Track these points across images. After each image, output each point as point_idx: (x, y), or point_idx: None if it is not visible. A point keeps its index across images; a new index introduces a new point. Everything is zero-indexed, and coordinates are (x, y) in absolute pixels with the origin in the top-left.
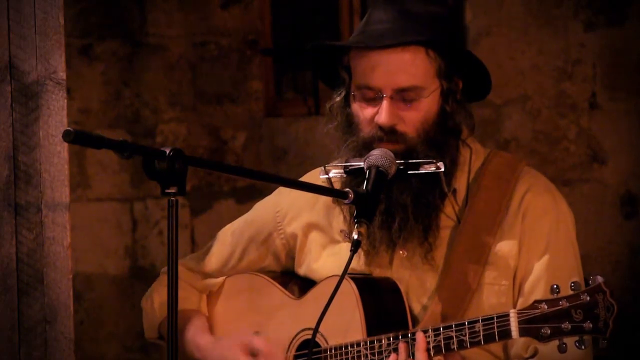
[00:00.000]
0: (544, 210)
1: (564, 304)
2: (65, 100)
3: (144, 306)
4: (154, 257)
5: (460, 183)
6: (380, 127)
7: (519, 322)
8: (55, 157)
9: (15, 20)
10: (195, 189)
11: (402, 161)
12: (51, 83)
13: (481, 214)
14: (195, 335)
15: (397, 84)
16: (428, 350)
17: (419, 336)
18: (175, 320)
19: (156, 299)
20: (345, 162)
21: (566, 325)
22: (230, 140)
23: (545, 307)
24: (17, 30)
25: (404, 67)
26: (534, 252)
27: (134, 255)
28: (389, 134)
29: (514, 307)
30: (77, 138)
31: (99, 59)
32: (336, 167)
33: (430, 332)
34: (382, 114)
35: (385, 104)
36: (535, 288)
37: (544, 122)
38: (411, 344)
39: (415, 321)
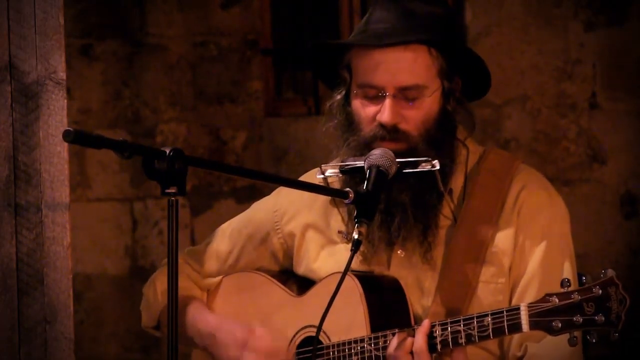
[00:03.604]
0: (539, 208)
1: (576, 297)
2: (65, 100)
3: (145, 292)
4: (154, 257)
5: (457, 182)
6: (383, 126)
7: (530, 316)
8: (55, 157)
9: (15, 20)
10: (195, 189)
11: (397, 160)
12: (51, 83)
13: (477, 213)
14: (197, 314)
15: (399, 82)
16: (434, 340)
17: (425, 321)
18: (175, 320)
19: (159, 286)
20: (342, 162)
21: (578, 319)
22: (230, 140)
23: (557, 300)
24: (17, 30)
25: (407, 65)
26: (528, 250)
27: (134, 255)
28: (391, 133)
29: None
30: (77, 138)
31: (99, 59)
32: (332, 166)
33: (437, 327)
34: (385, 112)
35: (387, 102)
36: (529, 286)
37: (544, 122)
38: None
39: (416, 320)
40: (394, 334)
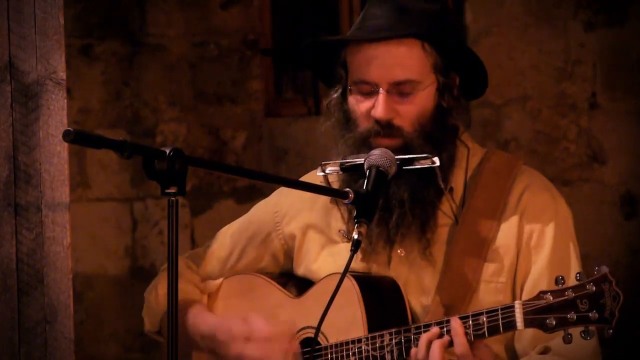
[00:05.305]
0: (542, 209)
1: (570, 294)
2: (65, 100)
3: (147, 297)
4: (154, 257)
5: (458, 181)
6: (377, 122)
7: (524, 313)
8: (55, 157)
9: (15, 20)
10: (195, 189)
11: (397, 156)
12: (51, 83)
13: (479, 213)
14: (197, 316)
15: (393, 77)
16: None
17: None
18: (175, 321)
19: (160, 290)
20: (342, 160)
21: (572, 316)
22: (230, 140)
23: (551, 297)
24: (17, 30)
25: (400, 60)
26: (534, 250)
27: (134, 255)
28: (385, 128)
29: None
30: (77, 138)
31: (99, 59)
32: (332, 164)
33: (434, 326)
34: (379, 107)
35: (381, 97)
36: (536, 287)
37: (544, 122)
38: (414, 340)
39: (415, 320)
40: (390, 334)
